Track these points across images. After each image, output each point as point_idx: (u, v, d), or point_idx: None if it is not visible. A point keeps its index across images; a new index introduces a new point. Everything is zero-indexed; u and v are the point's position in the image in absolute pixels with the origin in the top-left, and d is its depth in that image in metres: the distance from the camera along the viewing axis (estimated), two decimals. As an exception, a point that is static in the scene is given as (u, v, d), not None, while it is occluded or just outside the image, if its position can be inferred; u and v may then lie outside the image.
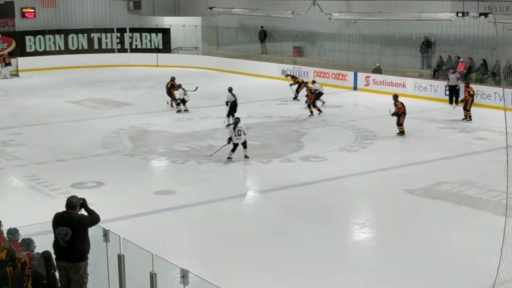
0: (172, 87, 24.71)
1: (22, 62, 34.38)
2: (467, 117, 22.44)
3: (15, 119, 23.18)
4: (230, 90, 21.88)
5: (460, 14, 27.05)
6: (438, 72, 27.94)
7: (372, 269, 10.64)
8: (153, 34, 38.41)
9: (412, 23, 29.11)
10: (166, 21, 39.03)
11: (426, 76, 27.89)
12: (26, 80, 32.82)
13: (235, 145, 17.30)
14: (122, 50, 38.17)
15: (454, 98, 25.26)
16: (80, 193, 13.11)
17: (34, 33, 36.85)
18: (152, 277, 7.51)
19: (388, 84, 27.84)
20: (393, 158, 17.51)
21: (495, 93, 24.12)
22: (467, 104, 22.48)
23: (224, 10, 37.88)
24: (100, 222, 8.40)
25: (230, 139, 17.27)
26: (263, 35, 36.49)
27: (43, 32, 37.11)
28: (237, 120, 17.75)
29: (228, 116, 21.29)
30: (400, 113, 20.21)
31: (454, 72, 25.62)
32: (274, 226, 12.67)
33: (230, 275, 10.28)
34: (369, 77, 28.74)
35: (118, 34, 38.47)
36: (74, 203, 8.09)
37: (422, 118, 22.93)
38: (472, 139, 19.77)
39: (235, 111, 21.36)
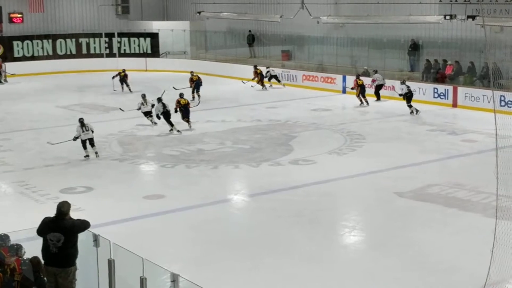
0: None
1: (10, 67, 34.20)
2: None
3: (3, 124, 23.06)
4: (159, 100, 21.77)
5: (448, 17, 27.17)
6: (426, 75, 28.05)
7: (362, 272, 10.64)
8: (142, 39, 38.37)
9: (400, 26, 29.22)
10: (155, 26, 39.02)
11: (414, 79, 27.99)
12: (14, 85, 32.66)
13: (84, 142, 18.05)
14: (111, 55, 38.09)
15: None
16: (69, 198, 13.05)
17: (22, 38, 36.71)
18: (143, 281, 7.48)
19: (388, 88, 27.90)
20: (382, 161, 17.54)
21: (484, 95, 24.24)
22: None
23: (213, 14, 37.87)
24: (90, 227, 8.37)
25: (76, 137, 18.14)
26: (252, 39, 36.53)
27: (31, 37, 36.98)
28: (82, 120, 18.30)
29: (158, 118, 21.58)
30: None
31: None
32: (264, 229, 12.66)
33: (220, 279, 10.25)
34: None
35: (107, 39, 38.39)
36: (64, 212, 8.05)
37: (411, 121, 23.00)
38: (461, 141, 19.85)
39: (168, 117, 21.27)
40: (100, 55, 38.16)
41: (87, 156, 18.15)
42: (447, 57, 27.71)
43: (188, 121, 22.11)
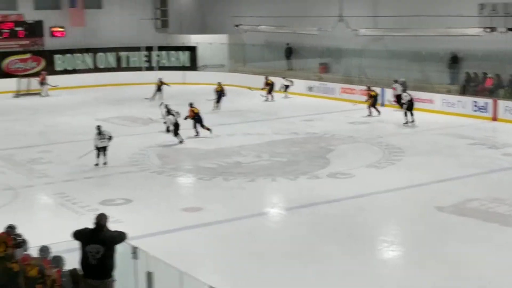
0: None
1: (51, 80, 34.78)
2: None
3: (44, 137, 23.45)
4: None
5: (488, 30, 26.85)
6: (466, 88, 27.72)
7: None
8: (180, 52, 38.78)
9: (439, 39, 28.95)
10: (193, 39, 39.35)
11: (454, 92, 27.68)
12: (55, 98, 33.21)
13: (99, 150, 18.55)
14: (150, 68, 38.52)
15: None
16: (108, 210, 13.19)
17: (63, 51, 37.39)
18: (180, 294, 7.52)
19: (415, 100, 27.63)
20: (421, 175, 17.36)
21: (525, 108, 23.86)
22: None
23: (251, 27, 38.03)
24: (128, 239, 8.43)
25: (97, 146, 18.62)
26: (289, 52, 36.55)
27: (72, 51, 37.64)
28: (99, 127, 18.87)
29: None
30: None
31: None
32: (301, 243, 12.62)
33: (257, 293, 10.24)
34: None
35: (146, 53, 38.89)
36: (103, 224, 8.12)
37: (451, 134, 22.73)
38: (501, 155, 19.54)
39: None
40: (139, 69, 38.62)
41: (97, 164, 18.64)
42: (487, 70, 27.35)
43: (208, 129, 22.46)
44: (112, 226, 8.45)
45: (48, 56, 37.03)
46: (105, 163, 18.80)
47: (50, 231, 12.76)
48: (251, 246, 12.49)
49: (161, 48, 39.05)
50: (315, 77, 33.65)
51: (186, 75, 37.80)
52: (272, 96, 31.31)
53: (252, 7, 38.68)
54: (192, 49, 38.76)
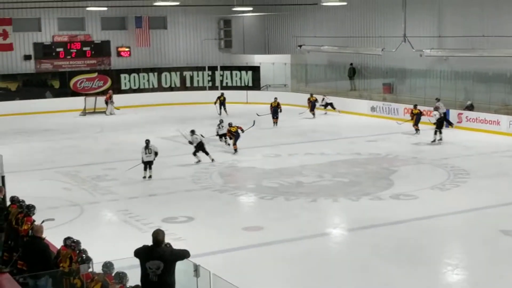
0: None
1: (117, 99, 35.52)
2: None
3: (109, 154, 23.92)
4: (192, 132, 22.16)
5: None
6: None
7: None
8: (243, 72, 39.07)
9: (506, 59, 28.33)
10: (256, 59, 39.62)
11: (521, 113, 26.99)
12: (120, 116, 33.87)
13: (145, 163, 19.55)
14: (213, 87, 38.93)
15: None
16: (170, 228, 13.38)
17: (129, 71, 38.21)
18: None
19: (481, 121, 27.12)
20: (487, 198, 16.95)
21: None
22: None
23: (314, 47, 38.07)
24: (190, 257, 8.46)
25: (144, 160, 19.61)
26: (352, 72, 36.39)
27: (137, 70, 38.44)
28: (147, 141, 19.85)
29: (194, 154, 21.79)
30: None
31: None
32: (363, 265, 12.46)
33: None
34: (461, 114, 28.09)
35: (210, 72, 39.36)
36: (160, 240, 8.14)
37: (518, 157, 22.16)
38: None
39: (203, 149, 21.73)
40: (203, 88, 39.09)
41: (144, 177, 19.64)
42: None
43: (234, 146, 23.39)
44: (174, 243, 8.52)
45: (114, 75, 37.92)
46: (150, 177, 19.69)
47: (114, 247, 12.96)
48: (312, 266, 12.39)
49: (224, 68, 39.46)
50: (379, 97, 33.37)
51: (249, 94, 38.03)
52: (313, 114, 32.03)
53: (315, 28, 38.75)
54: (255, 69, 39.03)
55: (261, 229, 14.72)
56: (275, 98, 30.56)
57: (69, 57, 37.41)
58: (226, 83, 39.20)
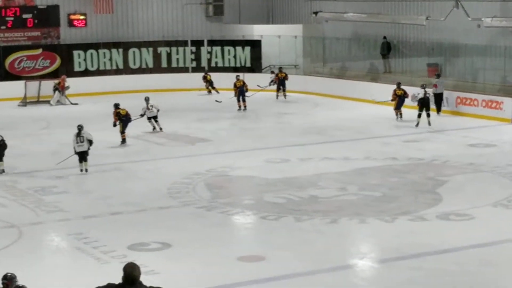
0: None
1: (68, 84, 35.48)
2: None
3: (58, 158, 23.86)
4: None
5: None
6: None
7: None
8: (239, 48, 39.09)
9: None
10: (256, 31, 39.64)
11: None
12: (73, 107, 33.89)
13: (79, 154, 21.38)
14: (198, 69, 38.90)
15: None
16: (140, 257, 13.36)
17: (85, 46, 38.27)
18: None
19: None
20: None
21: None
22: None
23: (334, 15, 38.05)
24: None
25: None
26: (387, 48, 36.39)
27: (96, 46, 38.50)
28: (80, 128, 21.64)
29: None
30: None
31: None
32: (401, 308, 12.47)
33: None
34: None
35: (193, 48, 39.39)
36: (136, 276, 8.13)
37: None
38: None
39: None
40: (184, 69, 39.11)
41: (81, 170, 21.44)
42: None
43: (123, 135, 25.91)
44: (144, 279, 8.50)
45: (64, 52, 37.95)
46: (86, 170, 21.47)
47: (62, 283, 12.95)
48: (332, 310, 12.41)
49: (213, 43, 39.47)
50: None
51: (247, 78, 37.98)
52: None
53: (336, -12, 38.80)
54: (254, 44, 39.06)
55: (263, 259, 14.70)
56: (238, 76, 32.55)
57: (3, 27, 37.49)
58: (216, 63, 39.24)
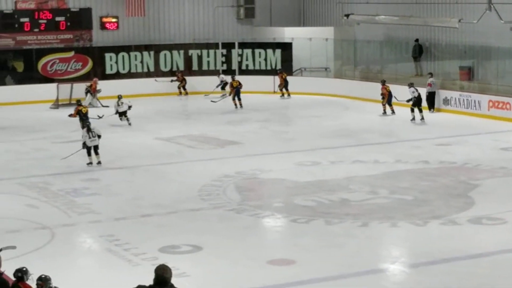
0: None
1: (100, 86, 35.64)
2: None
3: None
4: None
5: None
6: None
7: None
8: (270, 51, 39.08)
9: None
10: (287, 33, 39.61)
11: None
12: (104, 110, 34.01)
13: (89, 148, 22.51)
14: (229, 71, 38.92)
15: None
16: (170, 260, 13.40)
17: (116, 49, 38.42)
18: None
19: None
20: None
21: None
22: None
23: (365, 18, 37.92)
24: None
25: (84, 143, 22.65)
26: (418, 51, 36.24)
27: (127, 48, 38.62)
28: (88, 124, 23.31)
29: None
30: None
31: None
32: (432, 313, 12.42)
33: None
34: None
35: (224, 51, 39.42)
36: (167, 279, 8.13)
37: None
38: None
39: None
40: (215, 72, 39.12)
41: (90, 163, 22.53)
42: None
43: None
44: (175, 281, 8.53)
45: (96, 54, 38.16)
46: (99, 163, 22.60)
47: (94, 285, 13.01)
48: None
49: (244, 45, 39.50)
50: (454, 85, 33.19)
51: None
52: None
53: (367, -9, 38.68)
54: (285, 47, 39.03)
55: (293, 263, 14.68)
56: (233, 77, 34.34)
57: (36, 30, 37.74)
58: (247, 65, 39.26)
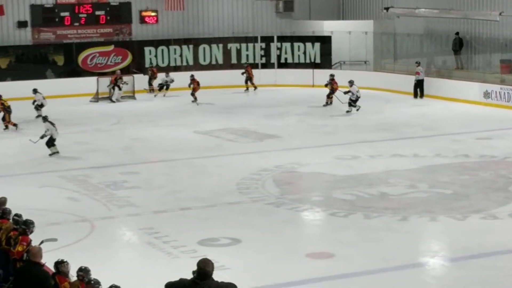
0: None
1: (140, 80, 35.87)
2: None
3: (129, 154, 24.16)
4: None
5: None
6: None
7: None
8: (309, 44, 39.00)
9: None
10: (326, 27, 39.52)
11: None
12: (144, 103, 34.24)
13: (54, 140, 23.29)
14: (268, 65, 38.98)
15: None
16: (210, 253, 13.49)
17: (156, 43, 38.58)
18: None
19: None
20: None
21: None
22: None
23: (405, 11, 37.74)
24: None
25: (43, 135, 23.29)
26: (459, 44, 35.98)
27: (167, 42, 38.77)
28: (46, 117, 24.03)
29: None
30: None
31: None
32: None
33: None
34: None
35: (263, 45, 39.43)
36: (209, 272, 8.16)
37: None
38: None
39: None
40: (253, 66, 39.12)
41: (56, 153, 23.34)
42: None
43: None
44: (214, 274, 8.57)
45: (136, 48, 38.37)
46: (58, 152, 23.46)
47: (135, 278, 13.12)
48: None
49: (283, 39, 39.48)
50: (495, 78, 32.91)
51: (316, 74, 37.96)
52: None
53: (407, -17, 38.48)
54: (324, 40, 38.95)
55: (332, 256, 14.71)
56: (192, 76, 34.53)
57: (76, 24, 38.06)
58: (285, 59, 39.23)
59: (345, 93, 30.65)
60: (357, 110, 30.35)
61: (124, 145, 25.50)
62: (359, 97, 30.28)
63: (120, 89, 34.83)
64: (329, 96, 32.15)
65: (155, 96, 35.45)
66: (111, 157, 23.68)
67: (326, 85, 32.38)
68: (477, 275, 13.72)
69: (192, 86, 34.10)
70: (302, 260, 14.53)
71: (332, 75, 32.46)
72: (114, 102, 34.44)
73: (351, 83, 30.46)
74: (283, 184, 20.32)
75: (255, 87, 36.87)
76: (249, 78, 36.99)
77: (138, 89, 35.70)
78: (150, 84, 36.75)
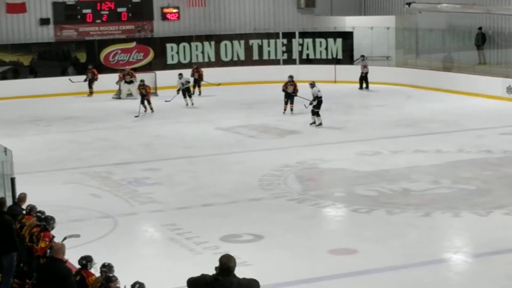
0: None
1: (162, 76, 35.94)
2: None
3: (151, 150, 24.26)
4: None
5: None
6: None
7: None
8: (330, 40, 38.96)
9: None
10: (348, 22, 39.45)
11: None
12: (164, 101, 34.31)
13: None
14: (289, 61, 38.97)
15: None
16: (232, 249, 13.49)
17: (177, 39, 38.65)
18: None
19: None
20: None
21: None
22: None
23: (427, 6, 37.60)
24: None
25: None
26: (482, 39, 35.84)
27: (188, 39, 38.84)
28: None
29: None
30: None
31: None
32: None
33: None
34: None
35: (285, 41, 39.42)
36: (232, 268, 8.18)
37: None
38: None
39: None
40: (275, 62, 39.19)
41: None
42: None
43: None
44: (237, 270, 8.59)
45: (158, 45, 38.48)
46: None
47: (157, 273, 13.17)
48: (424, 304, 12.34)
49: (304, 35, 39.46)
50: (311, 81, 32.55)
51: (338, 70, 37.94)
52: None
53: (429, -22, 38.34)
54: (346, 36, 38.89)
55: (354, 252, 14.71)
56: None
57: (98, 21, 38.17)
58: (307, 55, 39.21)
59: (310, 103, 27.49)
60: (317, 126, 26.89)
61: (145, 141, 25.58)
62: (321, 99, 27.14)
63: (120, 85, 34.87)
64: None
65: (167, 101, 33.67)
66: (133, 154, 23.75)
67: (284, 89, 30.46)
68: (500, 271, 13.68)
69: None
70: (325, 256, 14.55)
71: (291, 76, 30.42)
72: (120, 99, 34.53)
73: (312, 85, 27.98)
74: (305, 180, 20.34)
75: (200, 92, 35.38)
76: (199, 80, 35.61)
77: (160, 85, 35.73)
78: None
